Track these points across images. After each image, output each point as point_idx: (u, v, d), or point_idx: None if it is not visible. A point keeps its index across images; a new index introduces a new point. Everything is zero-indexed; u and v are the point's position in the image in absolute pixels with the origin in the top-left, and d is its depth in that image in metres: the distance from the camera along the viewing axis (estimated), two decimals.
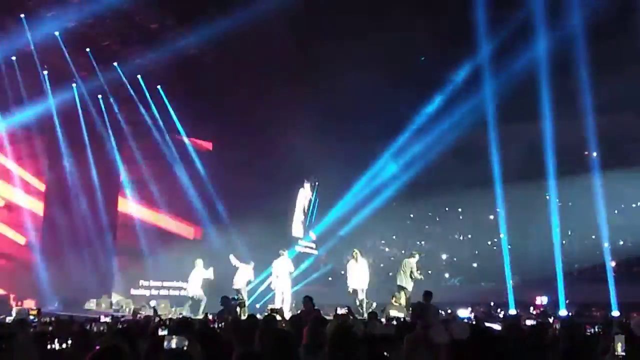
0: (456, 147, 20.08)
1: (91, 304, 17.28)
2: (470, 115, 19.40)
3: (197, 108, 18.95)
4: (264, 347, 4.59)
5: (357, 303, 14.16)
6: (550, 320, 10.28)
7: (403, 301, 13.91)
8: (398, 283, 14.39)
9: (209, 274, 15.45)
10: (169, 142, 20.04)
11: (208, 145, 21.59)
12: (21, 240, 17.58)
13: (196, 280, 15.51)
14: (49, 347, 4.48)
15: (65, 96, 17.54)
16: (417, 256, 14.89)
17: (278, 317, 7.81)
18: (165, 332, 5.79)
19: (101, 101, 18.35)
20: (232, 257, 15.44)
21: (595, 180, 18.81)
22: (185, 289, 16.47)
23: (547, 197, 20.79)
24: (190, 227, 21.24)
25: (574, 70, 16.77)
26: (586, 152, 20.01)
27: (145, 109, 19.04)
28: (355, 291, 14.46)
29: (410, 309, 12.14)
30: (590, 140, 18.86)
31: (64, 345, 4.77)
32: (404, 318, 10.93)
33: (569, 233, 20.49)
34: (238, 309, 13.35)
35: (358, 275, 14.60)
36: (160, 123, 19.63)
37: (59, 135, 17.85)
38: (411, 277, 14.22)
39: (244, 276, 15.25)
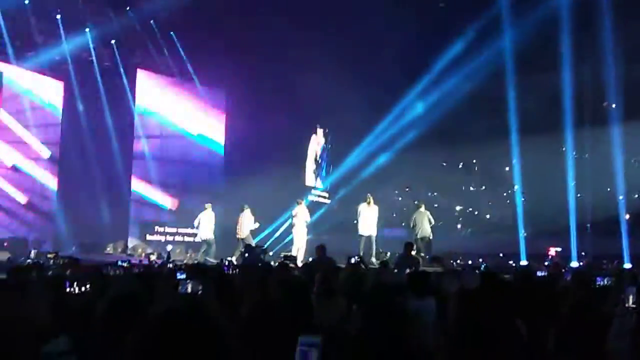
0: (472, 97, 19.79)
1: (108, 249, 17.66)
2: (488, 64, 19.09)
3: (210, 54, 18.80)
4: (277, 294, 4.67)
5: (366, 249, 14.25)
6: (562, 271, 10.30)
7: (425, 251, 14.12)
8: (418, 236, 14.57)
9: (253, 224, 15.64)
10: (182, 88, 20.03)
11: (221, 91, 21.47)
12: (38, 185, 17.82)
13: (206, 224, 15.80)
14: (68, 290, 4.56)
15: (79, 41, 17.47)
16: (423, 204, 15.13)
17: (291, 265, 7.92)
18: (182, 276, 5.92)
19: (114, 47, 18.25)
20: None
21: (613, 131, 18.54)
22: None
23: (564, 148, 20.57)
24: (204, 174, 21.38)
25: (595, 18, 16.36)
26: (605, 103, 19.68)
27: (158, 55, 18.97)
28: (364, 237, 14.55)
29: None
30: (610, 91, 18.55)
31: (82, 289, 4.87)
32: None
33: (584, 185, 20.31)
34: (262, 256, 13.65)
35: (370, 221, 14.70)
36: (174, 69, 19.58)
37: (72, 81, 17.86)
38: (429, 225, 14.50)
39: (246, 224, 15.51)
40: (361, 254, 13.62)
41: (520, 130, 19.40)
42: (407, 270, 7.20)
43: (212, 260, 14.36)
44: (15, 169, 17.22)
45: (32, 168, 17.64)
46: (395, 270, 9.23)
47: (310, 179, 23.54)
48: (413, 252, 13.65)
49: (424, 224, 14.67)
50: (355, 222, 15.34)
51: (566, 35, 17.44)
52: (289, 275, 6.21)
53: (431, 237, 14.71)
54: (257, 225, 15.85)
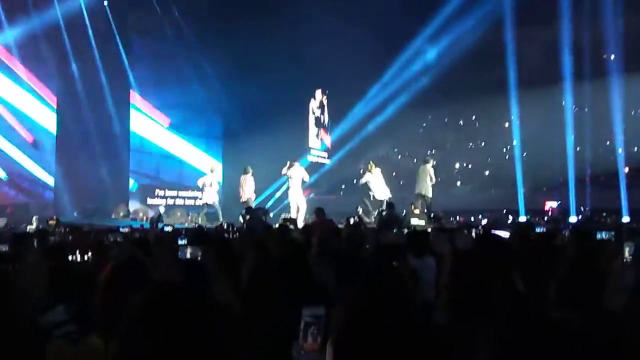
0: (471, 52, 19.59)
1: (113, 215, 17.72)
2: (485, 18, 18.84)
3: (205, 13, 18.53)
4: (276, 255, 4.70)
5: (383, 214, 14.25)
6: (560, 226, 10.37)
7: (423, 209, 14.16)
8: (417, 191, 14.56)
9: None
10: (178, 49, 19.79)
11: (219, 52, 21.21)
12: (36, 150, 17.76)
13: (209, 188, 15.80)
14: (70, 258, 4.58)
15: (71, 2, 17.22)
16: (431, 161, 15.05)
17: (291, 227, 7.96)
18: (183, 242, 5.96)
19: (107, 7, 18.01)
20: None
21: (612, 84, 18.39)
22: (200, 198, 16.78)
23: (563, 102, 20.44)
24: (203, 136, 21.33)
25: None
26: (605, 55, 19.47)
27: (151, 14, 18.71)
28: (382, 202, 14.64)
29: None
30: (609, 42, 18.34)
31: (85, 257, 4.89)
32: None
33: (583, 139, 20.26)
34: (264, 217, 13.68)
35: (383, 186, 14.90)
36: (167, 30, 19.32)
37: (66, 43, 17.62)
38: (430, 183, 14.49)
39: (248, 187, 15.53)
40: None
41: (519, 85, 19.27)
42: (395, 230, 7.24)
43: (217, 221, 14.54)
44: (14, 132, 17.14)
45: (30, 132, 17.56)
46: (377, 230, 9.33)
47: (313, 141, 23.48)
48: (416, 211, 13.75)
49: (425, 180, 14.67)
50: (354, 181, 15.46)
51: None
52: (289, 237, 6.24)
53: (429, 195, 14.68)
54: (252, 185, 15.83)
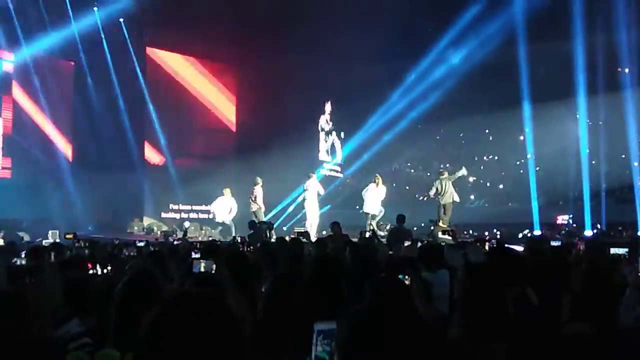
0: (484, 65, 19.59)
1: (128, 230, 17.81)
2: (499, 32, 18.85)
3: (220, 31, 18.70)
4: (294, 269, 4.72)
5: (367, 227, 14.37)
6: (575, 240, 10.29)
7: (447, 221, 14.11)
8: (442, 202, 14.51)
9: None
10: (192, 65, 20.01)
11: (232, 68, 21.41)
12: (53, 165, 17.97)
13: (223, 208, 15.87)
14: (87, 272, 4.62)
15: (87, 21, 17.49)
16: (446, 173, 14.98)
17: (304, 240, 7.96)
18: (197, 256, 5.99)
19: (123, 25, 18.24)
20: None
21: (627, 97, 18.30)
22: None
23: (577, 116, 20.35)
24: (217, 151, 21.46)
25: None
26: (619, 69, 19.38)
27: (167, 32, 18.92)
28: (367, 215, 14.75)
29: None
30: (623, 56, 18.27)
31: (101, 271, 4.93)
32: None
33: (598, 152, 20.13)
34: (267, 232, 13.65)
35: (376, 200, 14.86)
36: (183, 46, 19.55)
37: (83, 61, 17.88)
38: (452, 193, 14.46)
39: (258, 198, 15.56)
40: (373, 228, 13.78)
41: (533, 98, 19.22)
42: (406, 243, 7.23)
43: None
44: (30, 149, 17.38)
45: (46, 148, 17.78)
46: (388, 243, 9.31)
47: (323, 154, 23.52)
48: (441, 224, 13.68)
49: (450, 188, 14.59)
50: (363, 197, 15.44)
51: (579, 0, 17.17)
52: (323, 253, 6.26)
53: (450, 204, 14.55)
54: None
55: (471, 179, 24.39)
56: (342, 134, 24.14)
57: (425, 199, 14.94)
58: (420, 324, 1.83)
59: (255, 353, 2.79)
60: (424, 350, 1.75)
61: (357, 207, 19.98)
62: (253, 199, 15.51)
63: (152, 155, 19.79)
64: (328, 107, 23.70)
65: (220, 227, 16.07)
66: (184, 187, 19.78)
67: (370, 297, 2.93)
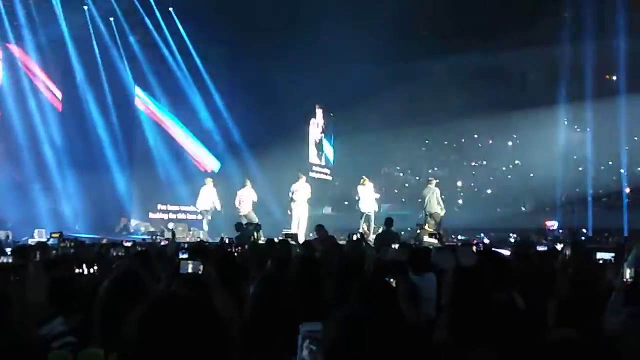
0: (474, 71, 19.69)
1: (116, 230, 17.70)
2: (489, 37, 18.94)
3: (209, 31, 18.66)
4: (281, 271, 4.71)
5: (366, 227, 14.50)
6: (561, 246, 10.34)
7: (435, 227, 14.15)
8: (428, 210, 14.59)
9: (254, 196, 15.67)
10: (182, 68, 19.91)
11: (220, 70, 21.33)
12: (41, 164, 17.81)
13: (205, 197, 15.95)
14: (72, 272, 4.58)
15: (77, 20, 17.38)
16: (434, 181, 15.10)
17: (292, 242, 7.95)
18: (185, 256, 5.95)
19: (113, 24, 18.15)
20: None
21: (616, 105, 18.45)
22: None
23: (566, 122, 20.51)
24: (205, 153, 21.38)
25: None
26: (607, 76, 19.55)
27: (157, 32, 18.85)
28: (364, 215, 14.85)
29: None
30: (612, 63, 18.42)
31: (87, 271, 4.89)
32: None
33: (586, 159, 20.27)
34: (255, 234, 13.59)
35: (370, 200, 14.95)
36: (173, 47, 19.47)
37: (72, 60, 17.76)
38: (438, 203, 14.53)
39: (247, 201, 15.56)
40: (365, 229, 13.83)
41: (521, 105, 19.34)
42: (394, 246, 7.24)
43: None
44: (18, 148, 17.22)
45: (33, 147, 17.62)
46: (376, 247, 9.34)
47: (314, 157, 23.52)
48: (429, 229, 13.75)
49: (432, 201, 14.70)
50: (357, 198, 15.54)
51: (569, 7, 17.29)
52: (306, 254, 6.26)
53: (438, 214, 14.64)
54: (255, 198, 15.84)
55: (459, 184, 24.51)
56: (332, 138, 24.17)
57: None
58: (405, 327, 1.83)
59: (243, 354, 2.78)
60: (409, 353, 1.75)
61: (344, 208, 19.97)
62: (241, 202, 15.54)
63: (141, 156, 19.67)
64: (319, 112, 23.71)
65: (207, 227, 16.08)
66: (172, 188, 19.70)
67: (357, 300, 2.93)
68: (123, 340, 1.54)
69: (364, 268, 4.93)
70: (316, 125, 23.67)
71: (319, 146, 23.82)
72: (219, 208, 16.18)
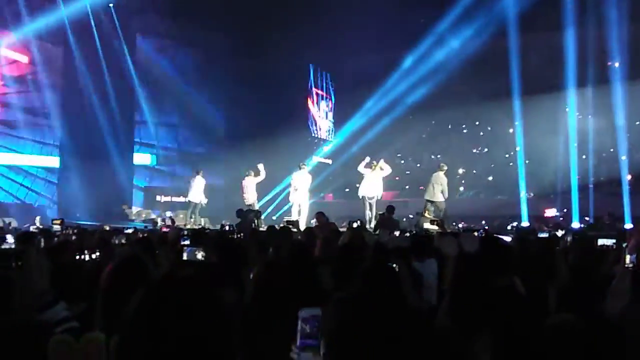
0: (475, 58, 19.61)
1: (117, 216, 17.70)
2: (490, 25, 18.86)
3: (210, 18, 18.58)
4: (280, 257, 4.72)
5: (367, 212, 14.23)
6: (562, 232, 10.35)
7: (435, 214, 14.01)
8: (427, 197, 14.35)
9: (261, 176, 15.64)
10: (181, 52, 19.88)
11: (220, 56, 21.25)
12: (43, 153, 17.85)
13: (197, 188, 15.88)
14: (73, 258, 4.60)
15: (77, 5, 17.30)
16: (445, 168, 14.71)
17: (294, 229, 7.97)
18: (186, 242, 5.97)
19: (112, 10, 18.07)
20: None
21: (616, 91, 18.39)
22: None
23: (567, 109, 20.44)
24: (204, 140, 21.39)
25: None
26: (609, 62, 19.46)
27: (157, 19, 18.79)
28: (364, 198, 14.52)
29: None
30: (613, 50, 18.34)
31: (89, 257, 4.91)
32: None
33: (587, 146, 20.23)
34: (256, 220, 13.57)
35: (370, 185, 14.66)
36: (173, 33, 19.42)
37: (72, 46, 17.69)
38: (441, 191, 14.19)
39: (251, 190, 15.45)
40: (369, 215, 13.70)
41: (523, 92, 19.27)
42: (391, 233, 7.25)
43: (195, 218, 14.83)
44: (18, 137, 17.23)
45: (34, 135, 17.63)
46: (376, 232, 9.33)
47: (324, 133, 23.55)
48: (427, 214, 13.65)
49: (433, 187, 14.38)
50: (357, 185, 15.33)
51: None
52: (295, 240, 6.27)
53: (438, 200, 14.37)
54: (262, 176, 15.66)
55: (460, 171, 24.48)
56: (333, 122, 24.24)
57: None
58: (407, 311, 1.83)
59: (244, 337, 2.80)
60: (410, 337, 1.75)
61: (345, 195, 19.88)
62: (245, 191, 15.43)
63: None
64: (315, 92, 23.63)
65: (191, 209, 16.04)
66: (173, 175, 19.72)
67: (360, 283, 2.93)
68: (124, 322, 1.53)
69: (364, 255, 4.94)
70: (312, 103, 23.67)
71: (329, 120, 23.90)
72: (204, 203, 15.98)
